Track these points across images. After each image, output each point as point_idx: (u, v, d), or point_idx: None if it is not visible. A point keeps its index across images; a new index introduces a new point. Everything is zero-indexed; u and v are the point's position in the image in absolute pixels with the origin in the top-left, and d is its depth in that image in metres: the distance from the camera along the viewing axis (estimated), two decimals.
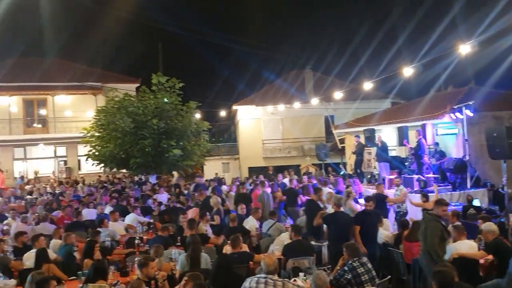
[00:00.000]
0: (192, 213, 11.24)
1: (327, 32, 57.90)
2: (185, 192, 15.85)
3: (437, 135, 16.28)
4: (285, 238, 8.29)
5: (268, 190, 13.33)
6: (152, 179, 20.39)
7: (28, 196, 17.72)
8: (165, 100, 19.64)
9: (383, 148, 15.90)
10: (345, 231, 7.97)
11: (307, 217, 9.96)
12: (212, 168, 29.84)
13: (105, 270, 6.25)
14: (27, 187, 20.42)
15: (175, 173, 24.04)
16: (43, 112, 28.55)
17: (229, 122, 38.25)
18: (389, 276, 6.80)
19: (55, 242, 8.78)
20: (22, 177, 24.51)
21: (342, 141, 24.41)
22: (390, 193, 12.68)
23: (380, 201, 10.56)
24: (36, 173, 27.52)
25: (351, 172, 19.03)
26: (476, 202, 12.07)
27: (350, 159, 18.18)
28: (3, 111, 26.94)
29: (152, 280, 6.01)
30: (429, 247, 6.30)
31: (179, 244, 8.60)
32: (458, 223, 8.46)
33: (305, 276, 6.36)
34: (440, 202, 6.84)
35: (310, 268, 7.08)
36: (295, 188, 13.87)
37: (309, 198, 10.95)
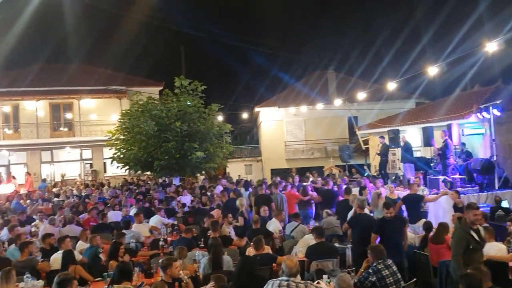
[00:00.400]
0: (215, 214, 11.30)
1: (350, 32, 57.53)
2: (208, 193, 15.91)
3: (463, 135, 15.97)
4: (309, 239, 8.23)
5: (294, 190, 13.31)
6: (176, 181, 20.56)
7: (55, 199, 18.08)
8: (188, 103, 19.80)
9: (407, 149, 15.67)
10: (369, 233, 7.73)
11: (340, 218, 9.88)
12: (234, 170, 29.94)
13: (130, 271, 6.31)
14: (54, 189, 20.81)
15: (199, 175, 24.19)
16: (69, 116, 29.08)
17: (251, 124, 38.31)
18: (414, 279, 6.68)
19: (81, 244, 8.92)
20: (44, 180, 24.95)
21: (366, 142, 24.18)
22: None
23: (414, 202, 10.33)
24: (62, 175, 28.07)
25: (375, 174, 18.82)
26: (504, 204, 11.77)
27: (374, 160, 17.96)
28: (30, 116, 27.56)
29: (176, 281, 6.05)
30: (452, 256, 6.15)
31: (203, 246, 8.63)
32: (485, 225, 8.28)
33: (328, 278, 6.31)
34: (470, 206, 6.37)
35: (334, 270, 7.02)
36: (332, 189, 13.69)
37: (343, 198, 10.85)
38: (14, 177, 24.02)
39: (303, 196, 13.07)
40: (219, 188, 16.54)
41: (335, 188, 13.83)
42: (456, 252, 6.00)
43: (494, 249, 6.84)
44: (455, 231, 6.26)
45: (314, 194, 13.70)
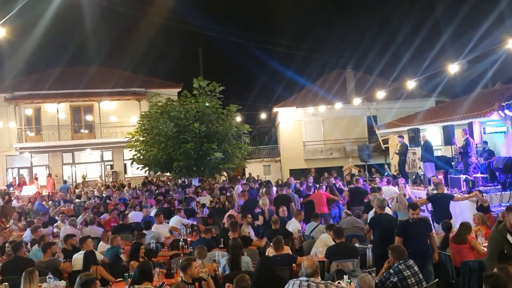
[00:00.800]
0: (234, 214, 11.33)
1: (368, 31, 57.12)
2: (228, 194, 15.98)
3: (484, 133, 15.71)
4: (326, 238, 8.21)
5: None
6: (195, 182, 20.67)
7: (77, 200, 18.34)
8: (206, 104, 19.89)
9: (427, 148, 15.48)
10: (390, 233, 7.70)
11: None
12: (253, 170, 29.95)
13: (150, 271, 6.36)
14: (76, 191, 21.12)
15: (217, 176, 24.28)
16: (89, 118, 29.48)
17: (269, 124, 38.30)
18: (437, 279, 6.60)
19: (103, 245, 9.03)
20: (65, 181, 25.31)
21: (385, 141, 23.96)
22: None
23: (442, 202, 10.17)
24: (84, 177, 28.48)
25: (395, 173, 18.64)
26: None
27: (393, 159, 17.80)
28: (52, 118, 28.02)
29: (196, 281, 6.08)
30: (486, 259, 5.99)
31: (222, 246, 8.65)
32: None
33: (349, 279, 6.27)
34: (510, 209, 6.00)
35: (355, 271, 6.96)
36: (361, 187, 13.55)
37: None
38: (36, 179, 24.47)
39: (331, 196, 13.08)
40: (239, 189, 16.57)
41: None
42: (490, 256, 5.82)
43: None
44: (491, 234, 6.09)
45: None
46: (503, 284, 4.47)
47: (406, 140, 17.25)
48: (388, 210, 9.34)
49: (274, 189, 15.54)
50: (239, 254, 7.02)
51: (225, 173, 23.29)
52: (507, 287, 4.51)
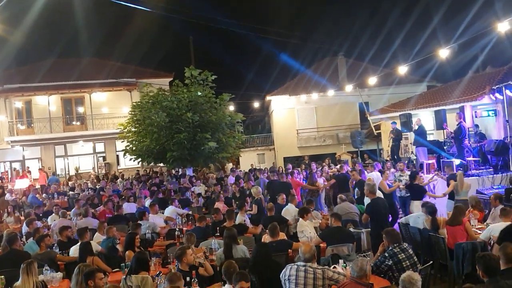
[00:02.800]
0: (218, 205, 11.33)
1: (358, 17, 56.95)
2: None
3: (476, 117, 15.83)
4: (301, 222, 8.43)
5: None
6: (189, 172, 20.65)
7: (71, 192, 18.30)
8: (199, 93, 19.77)
9: (420, 133, 15.55)
10: (385, 215, 8.22)
11: None
12: (247, 159, 30.01)
13: (147, 261, 6.38)
14: (70, 183, 21.06)
15: (212, 165, 24.29)
16: (81, 110, 29.30)
17: (263, 113, 38.27)
18: (431, 262, 6.69)
19: (98, 236, 9.03)
20: (54, 173, 25.15)
21: (377, 127, 24.06)
22: (426, 178, 12.46)
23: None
24: (76, 169, 28.38)
25: (387, 159, 18.75)
26: None
27: (389, 146, 17.89)
28: (43, 110, 27.79)
29: (193, 269, 6.12)
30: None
31: (218, 234, 8.69)
32: (500, 206, 8.23)
33: (344, 263, 6.33)
34: None
35: (350, 255, 7.04)
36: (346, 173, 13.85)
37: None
38: (29, 172, 24.35)
39: (310, 185, 13.28)
40: (232, 179, 16.65)
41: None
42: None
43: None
44: None
45: (321, 182, 13.78)
46: (494, 263, 4.54)
47: (398, 126, 17.34)
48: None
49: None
50: (231, 244, 7.04)
51: (230, 164, 23.24)
52: (498, 266, 4.58)
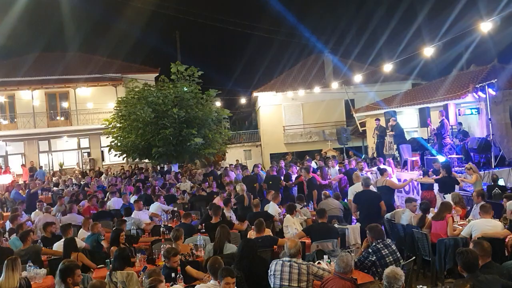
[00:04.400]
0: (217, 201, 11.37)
1: (344, 14, 57.15)
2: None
3: (459, 115, 16.03)
4: (289, 218, 8.54)
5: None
6: (175, 168, 20.58)
7: (55, 188, 18.10)
8: (185, 89, 19.69)
9: (398, 133, 15.76)
10: (374, 207, 8.73)
11: None
12: (233, 155, 30.03)
13: (128, 257, 6.39)
14: (54, 179, 20.84)
15: (198, 161, 24.21)
16: (65, 105, 29.01)
17: (249, 109, 38.31)
18: (414, 257, 6.78)
19: (83, 232, 8.99)
20: (41, 167, 24.85)
21: (363, 124, 24.24)
22: (413, 175, 12.60)
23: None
24: (61, 165, 28.09)
25: (373, 155, 18.90)
26: (501, 182, 11.88)
27: (374, 143, 18.06)
28: (27, 105, 27.45)
29: (178, 266, 6.14)
30: None
31: (204, 231, 8.71)
32: (483, 202, 8.38)
33: (329, 258, 6.39)
34: None
35: (334, 251, 7.11)
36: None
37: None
38: (8, 167, 23.99)
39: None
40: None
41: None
42: None
43: (489, 225, 6.92)
44: None
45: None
46: (473, 259, 4.63)
47: (382, 123, 17.49)
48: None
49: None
50: (224, 241, 7.05)
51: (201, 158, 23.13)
52: (477, 262, 4.67)
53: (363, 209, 8.91)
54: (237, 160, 25.74)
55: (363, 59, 32.25)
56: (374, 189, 9.95)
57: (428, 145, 14.93)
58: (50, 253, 7.83)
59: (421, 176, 11.95)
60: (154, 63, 31.35)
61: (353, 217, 9.96)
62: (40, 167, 24.93)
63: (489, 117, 14.03)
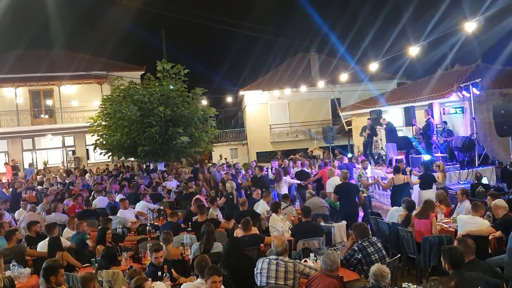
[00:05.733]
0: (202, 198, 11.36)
1: (330, 13, 57.34)
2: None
3: (444, 114, 16.22)
4: (274, 216, 8.56)
5: None
6: (160, 167, 20.49)
7: (39, 187, 17.89)
8: (171, 87, 19.61)
9: (390, 130, 15.85)
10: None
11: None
12: (220, 154, 29.96)
13: (115, 256, 6.34)
14: (38, 177, 20.59)
15: (184, 160, 24.11)
16: (49, 102, 28.65)
17: (236, 107, 38.27)
18: (399, 255, 6.84)
19: (68, 231, 8.90)
20: (30, 164, 24.49)
21: (348, 123, 24.37)
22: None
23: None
24: (45, 163, 27.76)
25: (358, 154, 19.03)
26: (484, 180, 12.04)
27: (364, 141, 18.19)
28: (10, 103, 27.02)
29: (165, 264, 6.11)
30: None
31: (190, 229, 8.68)
32: (466, 200, 8.51)
33: (315, 256, 6.42)
34: None
35: (320, 249, 7.14)
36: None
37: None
38: None
39: None
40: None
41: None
42: None
43: (473, 222, 7.02)
44: None
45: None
46: (459, 256, 4.69)
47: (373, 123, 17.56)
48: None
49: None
50: (213, 240, 7.03)
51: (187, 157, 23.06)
52: (463, 259, 4.73)
53: (343, 199, 10.01)
54: (225, 158, 25.69)
55: (349, 59, 32.48)
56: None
57: (414, 143, 15.08)
58: (35, 255, 7.72)
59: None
60: (140, 61, 31.13)
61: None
62: (30, 165, 24.63)
63: (473, 116, 14.21)
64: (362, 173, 12.46)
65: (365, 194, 11.48)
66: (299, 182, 13.62)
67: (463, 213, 8.06)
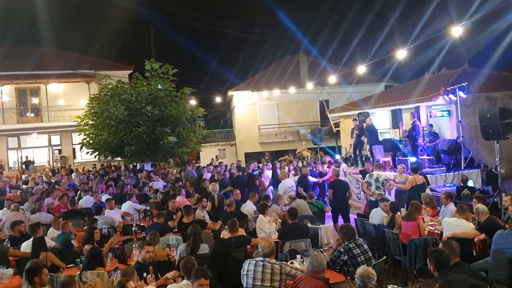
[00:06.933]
0: (179, 200, 11.23)
1: (318, 15, 57.58)
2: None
3: (430, 117, 16.34)
4: (261, 218, 8.58)
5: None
6: (147, 167, 20.37)
7: (24, 186, 17.68)
8: (159, 86, 19.52)
9: (371, 132, 15.94)
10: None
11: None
12: (208, 154, 29.92)
13: (101, 256, 6.29)
14: (23, 176, 20.35)
15: (171, 160, 23.98)
16: (36, 101, 28.37)
17: (224, 108, 38.21)
18: (385, 257, 6.87)
19: (52, 231, 8.79)
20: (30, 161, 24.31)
21: (337, 125, 24.47)
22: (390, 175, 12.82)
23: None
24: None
25: (346, 156, 19.09)
26: (470, 183, 12.16)
27: (352, 143, 18.27)
28: None
29: (151, 265, 6.06)
30: None
31: (176, 230, 8.62)
32: (451, 203, 8.58)
33: (302, 258, 6.42)
34: None
35: (307, 250, 7.15)
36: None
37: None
38: None
39: None
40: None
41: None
42: None
43: (458, 225, 7.08)
44: None
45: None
46: (445, 258, 4.72)
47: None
48: None
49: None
50: (200, 241, 6.99)
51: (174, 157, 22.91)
52: (449, 261, 4.77)
53: (336, 193, 10.99)
54: (212, 159, 25.64)
55: (337, 60, 32.65)
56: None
57: (401, 146, 15.17)
58: (18, 255, 7.61)
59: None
60: (128, 60, 30.94)
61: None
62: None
63: (459, 120, 14.33)
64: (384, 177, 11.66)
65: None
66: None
67: (448, 216, 8.14)
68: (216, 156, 26.20)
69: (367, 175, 11.55)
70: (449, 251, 4.98)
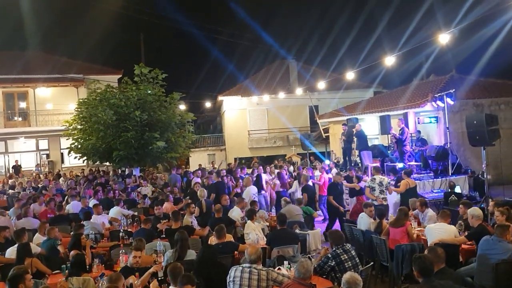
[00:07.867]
0: (167, 206, 11.17)
1: (307, 21, 57.94)
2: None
3: (418, 123, 16.47)
4: (249, 223, 8.58)
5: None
6: (136, 172, 20.25)
7: (10, 191, 17.49)
8: (148, 91, 19.45)
9: (360, 137, 16.05)
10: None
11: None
12: (197, 159, 29.84)
13: (84, 262, 6.25)
14: (10, 181, 20.13)
15: (160, 165, 23.87)
16: (23, 105, 28.13)
17: (214, 113, 38.18)
18: (372, 263, 6.88)
19: (38, 237, 8.69)
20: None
21: (326, 130, 24.57)
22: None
23: None
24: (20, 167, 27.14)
25: (335, 161, 19.15)
26: (457, 189, 12.26)
27: (342, 148, 18.35)
28: None
29: (136, 272, 6.02)
30: None
31: (164, 236, 8.57)
32: (428, 210, 8.67)
33: (289, 264, 6.41)
34: None
35: (295, 256, 7.14)
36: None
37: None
38: None
39: None
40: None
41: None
42: None
43: (440, 229, 7.12)
44: None
45: None
46: (429, 265, 4.74)
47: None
48: None
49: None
50: (187, 247, 6.94)
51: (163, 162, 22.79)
52: (433, 267, 4.78)
53: (336, 195, 11.52)
54: (199, 165, 25.55)
55: (326, 66, 32.80)
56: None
57: (389, 152, 15.26)
58: (3, 261, 7.51)
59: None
60: (117, 65, 30.83)
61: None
62: (37, 165, 24.13)
63: (447, 126, 14.46)
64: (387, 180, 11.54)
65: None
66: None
67: (427, 222, 8.22)
68: (212, 162, 26.08)
69: (369, 180, 11.21)
70: (433, 257, 5.00)
